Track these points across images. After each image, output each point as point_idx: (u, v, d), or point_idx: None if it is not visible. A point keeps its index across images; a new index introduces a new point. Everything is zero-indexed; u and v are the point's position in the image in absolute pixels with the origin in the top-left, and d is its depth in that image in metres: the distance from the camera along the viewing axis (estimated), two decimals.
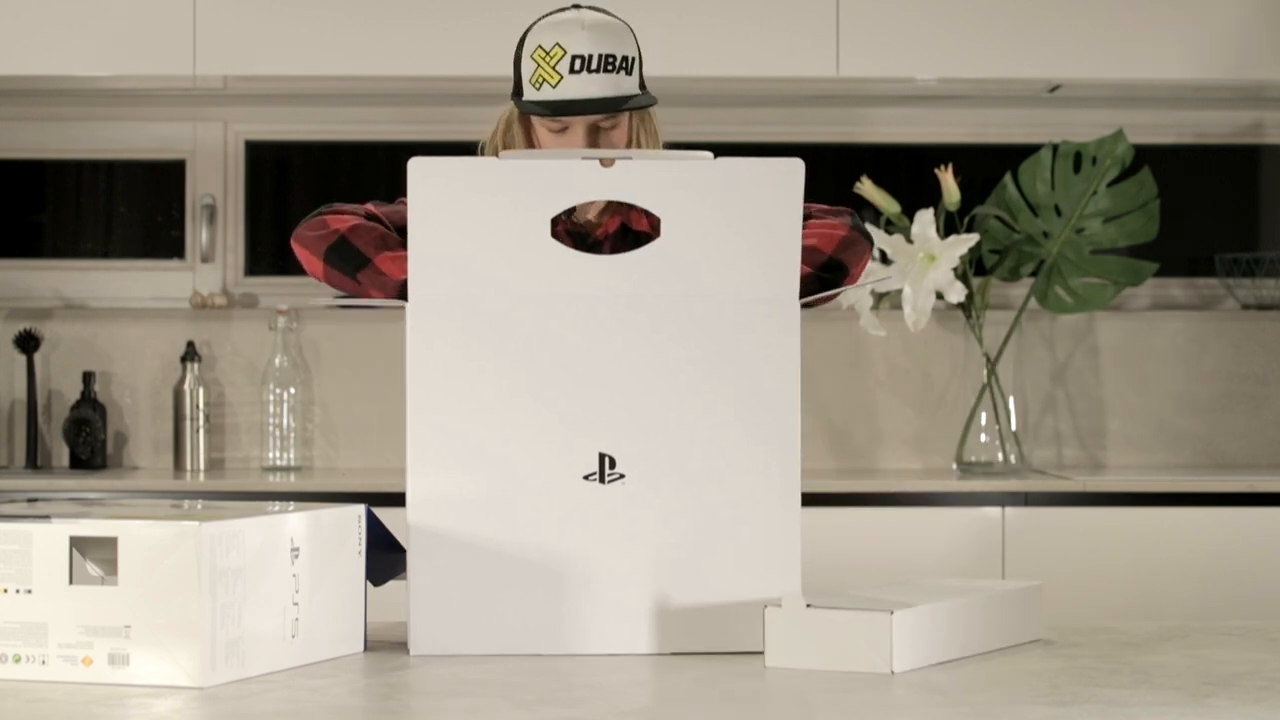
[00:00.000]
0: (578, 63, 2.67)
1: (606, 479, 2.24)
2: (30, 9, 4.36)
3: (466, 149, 2.75)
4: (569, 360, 2.24)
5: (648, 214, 2.67)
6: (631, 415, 2.24)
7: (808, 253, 2.46)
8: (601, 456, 2.24)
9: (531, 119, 2.76)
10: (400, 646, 2.31)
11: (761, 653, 2.17)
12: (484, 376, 2.24)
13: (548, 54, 2.68)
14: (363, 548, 2.26)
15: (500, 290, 2.25)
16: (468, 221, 2.24)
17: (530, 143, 2.78)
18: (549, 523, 2.24)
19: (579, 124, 2.72)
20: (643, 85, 2.76)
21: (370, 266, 2.51)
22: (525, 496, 2.24)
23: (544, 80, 2.69)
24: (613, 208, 2.78)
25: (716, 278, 2.24)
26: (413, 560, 2.24)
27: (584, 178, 2.26)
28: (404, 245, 2.50)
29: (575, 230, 2.76)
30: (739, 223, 2.24)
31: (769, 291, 2.25)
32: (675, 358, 2.24)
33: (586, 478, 2.24)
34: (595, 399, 2.24)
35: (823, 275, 2.52)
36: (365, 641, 2.27)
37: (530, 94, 2.72)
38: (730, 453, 2.24)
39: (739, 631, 2.22)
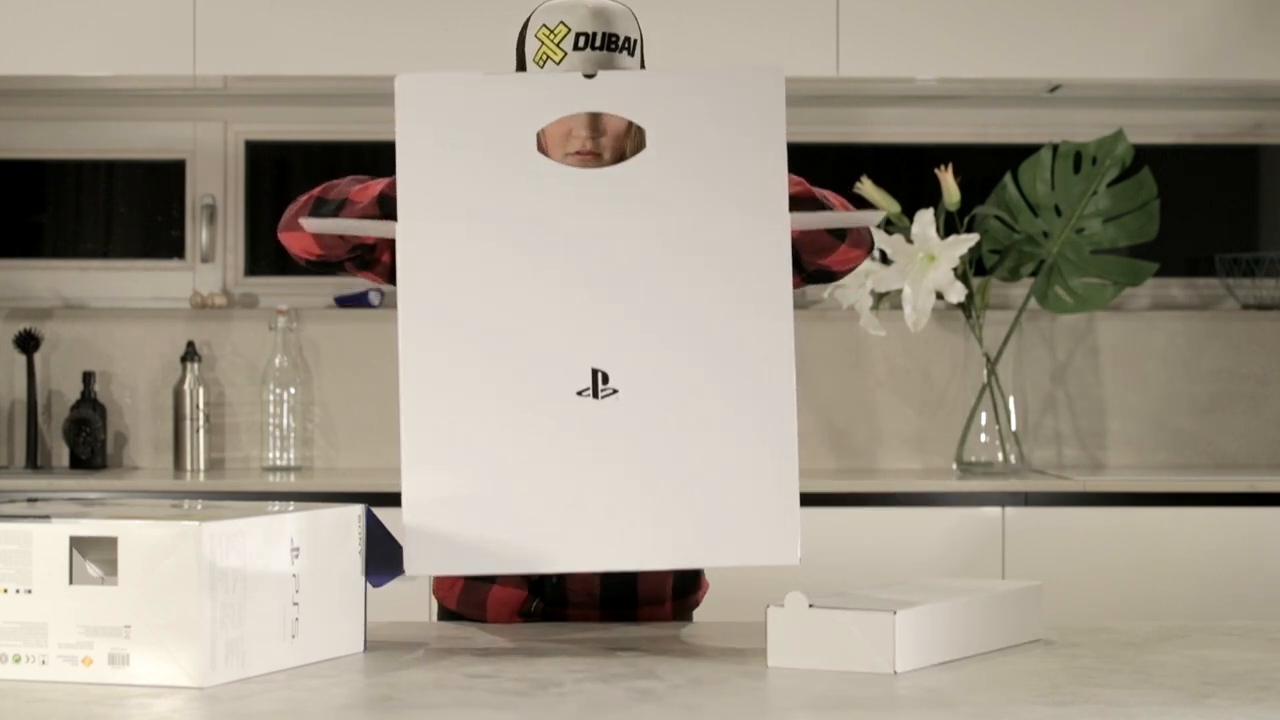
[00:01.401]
0: (581, 39, 2.70)
1: (600, 394, 2.23)
2: (30, 9, 4.37)
3: None
4: (559, 275, 2.24)
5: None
6: (623, 330, 2.23)
7: (825, 199, 2.58)
8: (594, 372, 2.23)
9: None
10: (401, 646, 2.31)
11: (762, 649, 2.17)
12: (476, 294, 2.24)
13: (551, 32, 2.71)
14: (363, 548, 2.26)
15: (488, 206, 2.25)
16: (454, 138, 2.25)
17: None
18: (543, 438, 2.23)
19: None
20: (644, 69, 2.78)
21: (347, 203, 2.56)
22: (519, 412, 2.23)
23: (548, 57, 2.71)
24: (606, 154, 2.80)
25: (704, 187, 2.24)
26: (407, 480, 2.23)
27: (569, 90, 2.27)
28: (374, 178, 2.55)
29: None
30: (723, 132, 2.24)
31: (756, 197, 2.24)
32: (666, 270, 2.23)
33: (580, 393, 2.23)
34: (587, 314, 2.23)
35: (823, 206, 2.60)
36: (365, 641, 2.27)
37: (533, 72, 2.74)
38: (723, 364, 2.22)
39: (736, 547, 2.21)
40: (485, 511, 2.22)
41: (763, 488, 2.21)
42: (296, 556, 2.14)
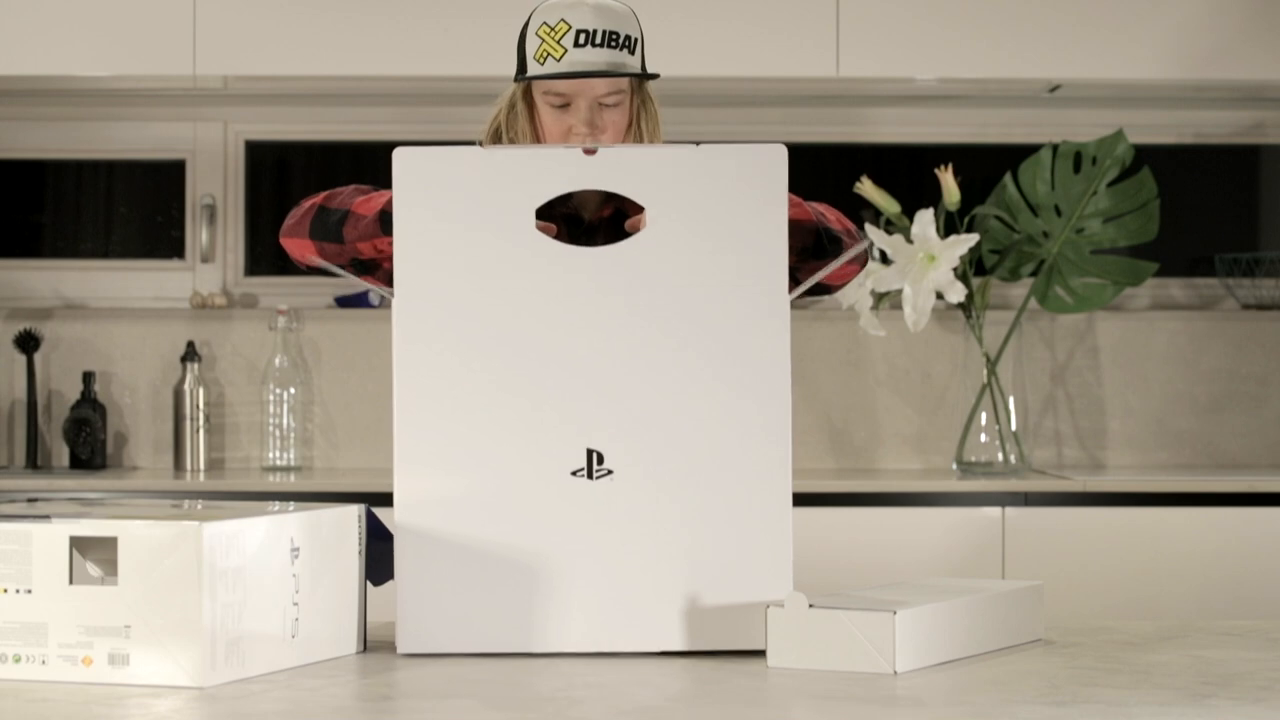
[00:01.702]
0: (582, 36, 2.71)
1: (594, 475, 2.22)
2: (30, 9, 4.37)
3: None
4: (555, 355, 2.23)
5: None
6: (619, 410, 2.22)
7: (821, 215, 2.60)
8: (589, 452, 2.22)
9: (534, 99, 2.79)
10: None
11: (762, 652, 2.17)
12: (470, 373, 2.23)
13: (552, 29, 2.72)
14: (362, 548, 2.26)
15: (485, 284, 2.23)
16: (453, 214, 2.24)
17: (533, 123, 2.80)
18: (537, 520, 2.22)
19: (581, 100, 2.75)
20: (644, 68, 2.79)
21: (350, 216, 2.56)
22: (513, 494, 2.22)
23: (548, 54, 2.72)
24: (608, 194, 2.80)
25: (703, 268, 2.22)
26: (400, 559, 2.23)
27: (568, 167, 2.25)
28: (377, 189, 2.56)
29: (570, 214, 2.77)
30: (724, 210, 2.22)
31: (756, 280, 2.22)
32: (662, 351, 2.22)
33: (574, 474, 2.22)
34: (582, 394, 2.22)
35: (821, 236, 2.61)
36: (364, 642, 2.27)
37: (534, 69, 2.75)
38: (719, 448, 2.21)
39: (731, 630, 2.21)
40: (481, 591, 2.22)
41: (756, 578, 2.20)
42: (296, 557, 2.14)
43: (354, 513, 2.25)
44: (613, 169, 2.25)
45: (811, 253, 2.61)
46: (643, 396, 2.22)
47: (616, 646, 2.22)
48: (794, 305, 2.27)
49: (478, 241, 2.24)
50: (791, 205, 2.61)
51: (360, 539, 2.25)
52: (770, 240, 2.22)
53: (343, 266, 2.63)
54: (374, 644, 2.31)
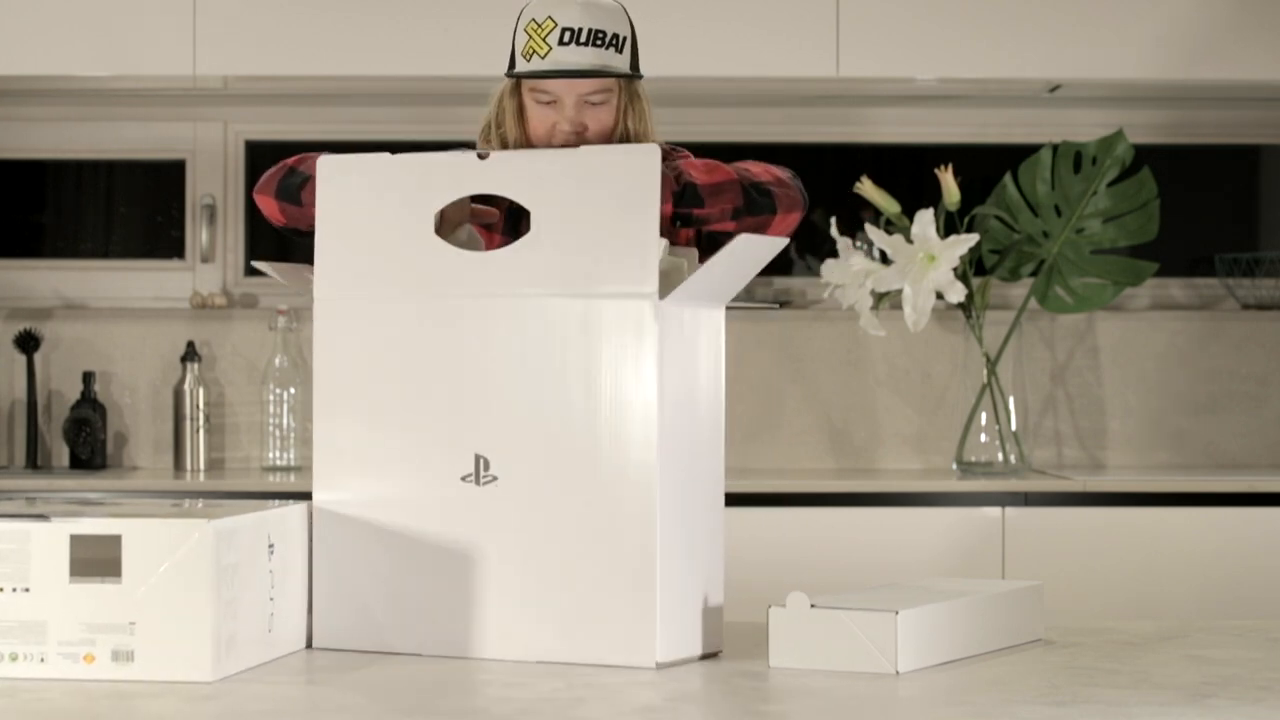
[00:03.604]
0: (567, 34, 2.71)
1: (481, 480, 2.24)
2: (30, 9, 4.37)
3: (466, 148, 2.76)
4: (449, 360, 2.26)
5: None
6: (503, 417, 2.23)
7: (742, 170, 2.60)
8: (477, 458, 2.24)
9: (522, 95, 2.80)
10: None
11: (766, 652, 2.17)
12: (374, 379, 2.29)
13: (539, 26, 2.73)
14: (308, 544, 2.30)
15: (389, 289, 2.29)
16: (363, 220, 2.30)
17: (520, 119, 2.81)
18: (432, 525, 2.25)
19: (567, 97, 2.76)
20: (635, 67, 2.79)
21: (310, 181, 2.59)
22: (411, 498, 2.26)
23: (534, 51, 2.73)
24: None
25: (580, 273, 2.22)
26: (315, 558, 2.28)
27: (463, 172, 2.28)
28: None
29: (514, 205, 2.78)
30: (598, 214, 2.21)
31: (627, 285, 2.19)
32: (541, 355, 2.23)
33: (464, 479, 2.25)
34: (471, 399, 2.25)
35: (750, 191, 2.61)
36: (309, 638, 2.29)
37: (521, 65, 2.76)
38: (590, 456, 2.20)
39: (591, 643, 2.18)
40: (385, 591, 2.27)
41: (621, 587, 2.18)
42: (273, 553, 2.18)
43: (303, 510, 2.29)
44: (503, 174, 2.27)
45: (746, 210, 2.60)
46: (523, 404, 2.23)
47: (503, 655, 2.22)
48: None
49: (381, 246, 2.29)
50: (710, 169, 2.62)
51: (308, 536, 2.28)
52: (641, 242, 2.19)
53: (310, 231, 2.65)
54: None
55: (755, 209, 2.60)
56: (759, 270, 2.37)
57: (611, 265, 2.20)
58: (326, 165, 2.33)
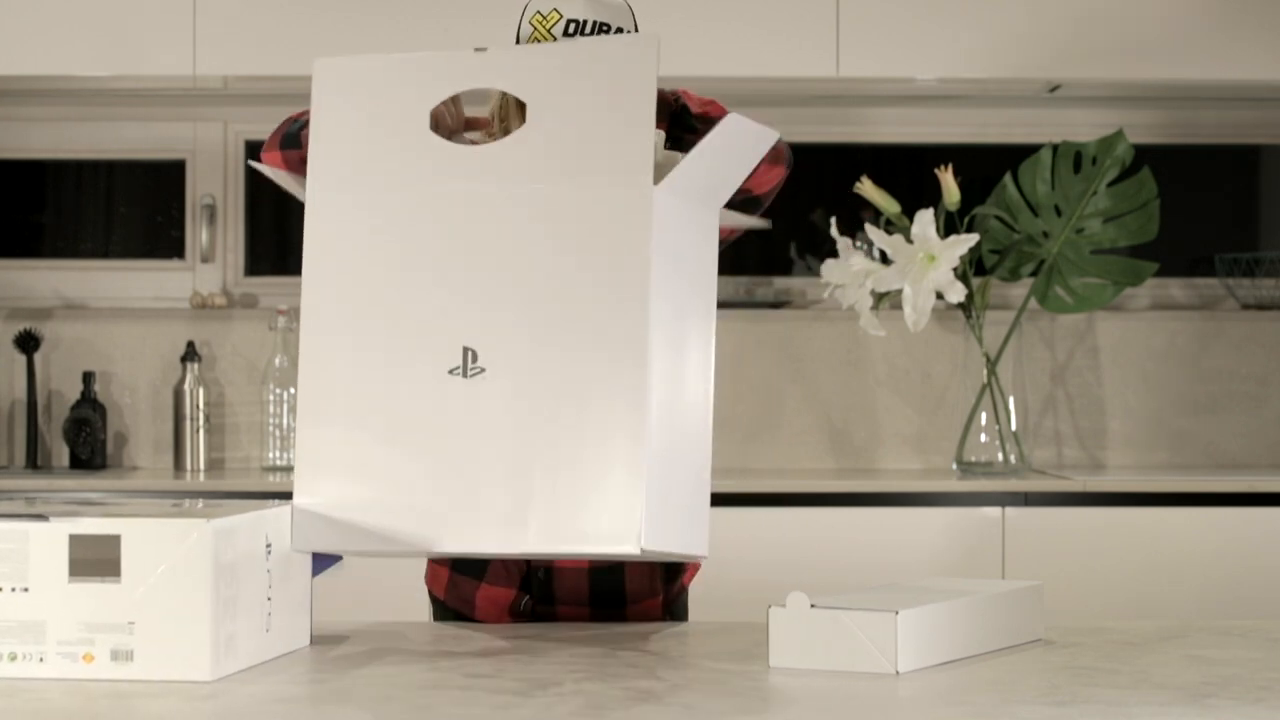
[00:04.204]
0: (572, 26, 2.72)
1: (469, 373, 2.22)
2: (30, 9, 4.37)
3: None
4: (443, 252, 2.24)
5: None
6: (493, 309, 2.22)
7: (678, 95, 2.62)
8: (465, 350, 2.23)
9: None
10: (401, 645, 2.31)
11: (763, 651, 2.17)
12: (368, 271, 2.26)
13: (544, 18, 2.73)
14: None
15: (379, 183, 2.27)
16: (359, 119, 2.29)
17: (523, 111, 2.81)
18: (417, 417, 2.23)
19: None
20: None
21: (307, 126, 2.58)
22: (398, 389, 2.24)
23: (539, 43, 2.74)
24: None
25: (574, 162, 2.20)
26: (299, 457, 2.26)
27: (460, 67, 2.27)
28: None
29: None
30: (596, 103, 2.20)
31: (619, 173, 2.18)
32: (533, 247, 2.21)
33: (451, 371, 2.23)
34: (462, 292, 2.23)
35: (682, 114, 2.62)
36: (311, 634, 2.29)
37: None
38: (580, 346, 2.18)
39: (578, 534, 2.16)
40: (370, 490, 2.23)
41: (607, 477, 2.15)
42: (270, 552, 2.18)
43: None
44: (500, 66, 2.25)
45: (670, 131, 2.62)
46: (515, 294, 2.21)
47: (486, 549, 2.20)
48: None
49: (378, 143, 2.27)
50: (705, 102, 2.68)
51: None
52: (638, 130, 2.18)
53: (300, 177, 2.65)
54: (374, 643, 2.31)
55: (689, 129, 2.62)
56: (749, 166, 2.33)
57: (608, 154, 2.18)
58: (323, 69, 2.30)
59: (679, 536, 2.21)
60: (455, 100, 2.58)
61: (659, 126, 2.55)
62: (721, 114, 2.64)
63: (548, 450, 2.18)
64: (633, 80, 2.18)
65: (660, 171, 2.18)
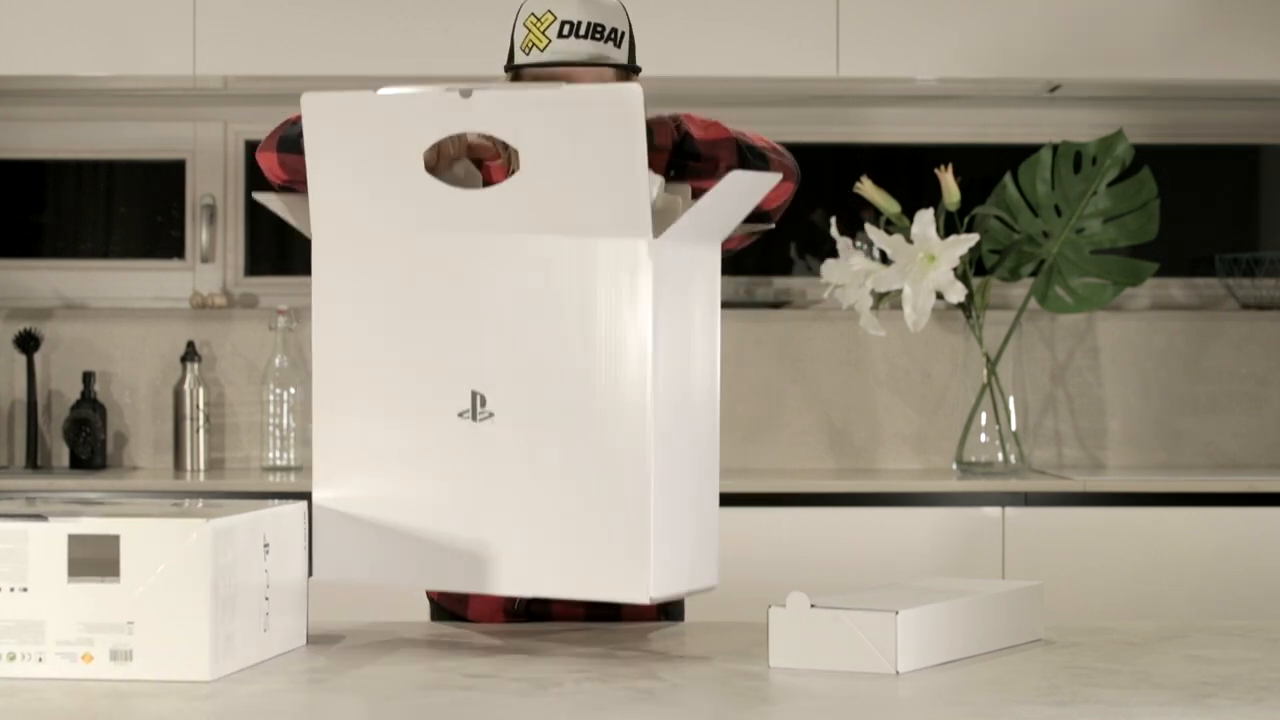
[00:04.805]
0: (566, 28, 2.72)
1: (478, 417, 2.25)
2: (30, 9, 4.36)
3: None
4: (446, 297, 2.26)
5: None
6: (501, 353, 2.24)
7: (739, 133, 2.61)
8: (474, 394, 2.25)
9: None
10: (401, 645, 2.31)
11: (763, 650, 2.17)
12: (372, 315, 2.29)
13: (539, 20, 2.74)
14: (307, 543, 2.30)
15: (384, 229, 2.29)
16: (354, 158, 2.30)
17: None
18: (429, 460, 2.26)
19: None
20: (632, 61, 2.79)
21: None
22: (411, 431, 2.27)
23: (533, 45, 2.74)
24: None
25: (573, 210, 2.21)
26: (317, 489, 2.30)
27: (446, 110, 2.26)
28: None
29: None
30: (586, 153, 2.21)
31: (622, 223, 2.19)
32: (535, 296, 2.23)
33: (460, 415, 2.25)
34: (469, 337, 2.25)
35: (745, 152, 2.61)
36: (307, 634, 2.29)
37: (520, 58, 2.77)
38: (583, 393, 2.20)
39: (584, 579, 2.18)
40: (385, 526, 2.28)
41: (613, 524, 2.18)
42: (268, 552, 2.18)
43: (301, 509, 2.28)
44: (486, 112, 2.25)
45: (740, 169, 2.61)
46: (520, 341, 2.23)
47: (500, 589, 2.23)
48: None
49: (376, 183, 2.29)
50: (708, 126, 2.64)
51: (305, 534, 2.28)
52: (632, 179, 2.18)
53: (300, 184, 2.65)
54: (376, 643, 2.31)
55: (749, 169, 2.61)
56: (751, 207, 2.34)
57: (605, 203, 2.19)
58: (312, 103, 2.31)
59: (688, 574, 2.24)
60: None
61: (662, 155, 2.56)
62: (724, 136, 2.63)
63: (555, 497, 2.21)
64: (622, 129, 2.19)
65: (658, 216, 2.19)
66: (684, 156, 2.65)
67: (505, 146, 2.74)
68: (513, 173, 2.35)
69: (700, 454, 2.27)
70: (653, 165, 2.51)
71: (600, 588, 2.18)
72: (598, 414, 2.19)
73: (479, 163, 2.64)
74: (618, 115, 2.19)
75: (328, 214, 2.31)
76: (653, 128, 2.55)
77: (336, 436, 2.30)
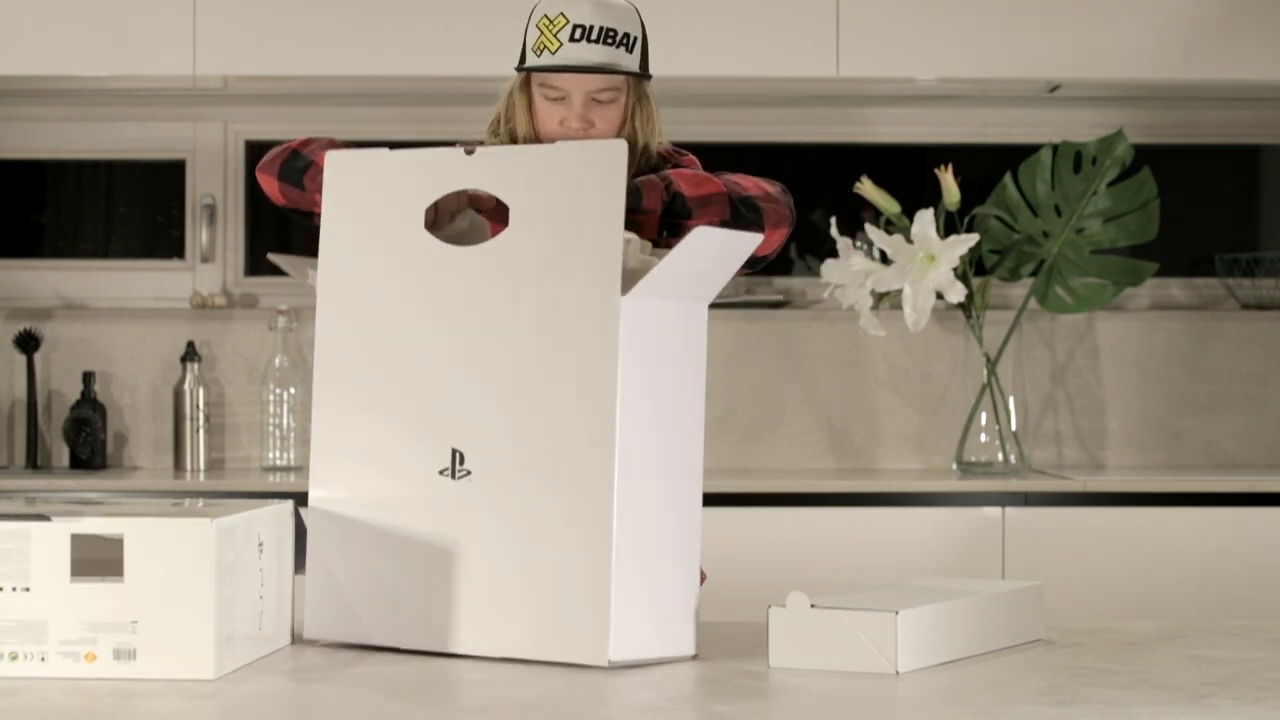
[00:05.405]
0: (578, 31, 2.73)
1: (456, 475, 2.26)
2: (30, 9, 4.37)
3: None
4: (432, 355, 2.29)
5: None
6: (479, 411, 2.25)
7: (732, 184, 2.60)
8: (453, 452, 2.26)
9: (532, 91, 2.81)
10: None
11: (763, 653, 2.17)
12: (368, 368, 2.32)
13: (551, 22, 2.74)
14: (293, 542, 2.31)
15: (380, 287, 2.32)
16: (362, 215, 2.34)
17: (530, 114, 2.82)
18: (413, 519, 2.28)
19: (576, 94, 2.76)
20: (644, 68, 2.79)
21: (313, 167, 2.64)
22: (393, 492, 2.29)
23: (545, 47, 2.75)
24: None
25: (548, 268, 2.23)
26: (309, 551, 2.32)
27: (449, 168, 2.30)
28: (351, 146, 2.58)
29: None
30: (568, 210, 2.22)
31: (590, 274, 2.20)
32: (514, 350, 2.24)
33: (441, 473, 2.27)
34: (451, 394, 2.27)
35: (738, 206, 2.60)
36: (292, 634, 2.30)
37: (531, 60, 2.77)
38: (552, 454, 2.21)
39: (546, 642, 2.18)
40: (373, 584, 2.29)
41: (575, 587, 2.17)
42: (262, 552, 2.19)
43: (288, 508, 2.29)
44: (485, 170, 2.29)
45: (733, 224, 2.60)
46: (498, 397, 2.25)
47: (472, 650, 2.23)
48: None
49: (379, 243, 2.33)
50: (699, 181, 2.62)
51: (293, 534, 2.29)
52: (606, 237, 2.19)
53: (311, 211, 2.69)
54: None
55: (742, 223, 2.60)
56: (736, 266, 2.35)
57: (577, 261, 2.21)
58: (334, 162, 2.37)
59: (656, 641, 2.22)
60: None
61: (652, 217, 2.55)
62: (715, 191, 2.61)
63: (524, 559, 2.21)
64: (602, 186, 2.20)
65: (636, 276, 2.19)
66: (675, 217, 2.63)
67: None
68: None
69: (677, 513, 2.25)
70: (643, 227, 2.52)
71: (560, 650, 2.17)
72: (565, 475, 2.19)
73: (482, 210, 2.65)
74: (600, 172, 2.21)
75: (332, 273, 2.36)
76: (642, 190, 2.54)
77: (329, 498, 2.33)
